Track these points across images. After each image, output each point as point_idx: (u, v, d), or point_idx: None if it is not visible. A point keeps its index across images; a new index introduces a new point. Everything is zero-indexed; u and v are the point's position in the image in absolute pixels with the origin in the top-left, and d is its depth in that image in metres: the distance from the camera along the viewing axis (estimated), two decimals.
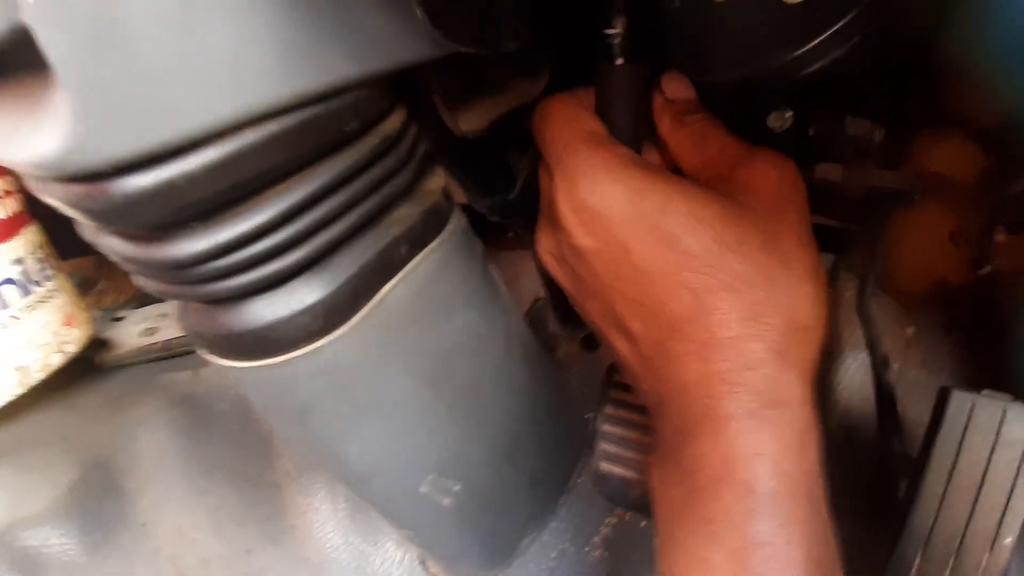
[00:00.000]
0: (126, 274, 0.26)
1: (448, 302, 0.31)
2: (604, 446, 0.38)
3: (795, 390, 0.28)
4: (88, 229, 0.24)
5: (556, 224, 0.31)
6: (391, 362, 0.29)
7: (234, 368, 0.27)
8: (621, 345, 0.32)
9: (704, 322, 0.28)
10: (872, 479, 0.52)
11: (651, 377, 0.31)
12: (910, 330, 0.58)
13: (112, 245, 0.23)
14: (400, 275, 0.28)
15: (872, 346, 0.50)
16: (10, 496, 0.67)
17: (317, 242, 0.25)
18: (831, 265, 0.59)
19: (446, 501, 0.36)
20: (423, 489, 0.35)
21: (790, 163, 0.31)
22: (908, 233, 0.59)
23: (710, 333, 0.28)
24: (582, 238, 0.30)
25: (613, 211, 0.29)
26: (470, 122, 0.31)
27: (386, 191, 0.27)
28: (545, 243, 0.33)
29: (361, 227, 0.27)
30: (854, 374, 0.56)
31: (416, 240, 0.29)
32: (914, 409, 0.53)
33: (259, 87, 0.20)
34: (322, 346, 0.26)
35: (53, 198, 0.22)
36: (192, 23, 0.19)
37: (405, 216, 0.28)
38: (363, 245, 0.27)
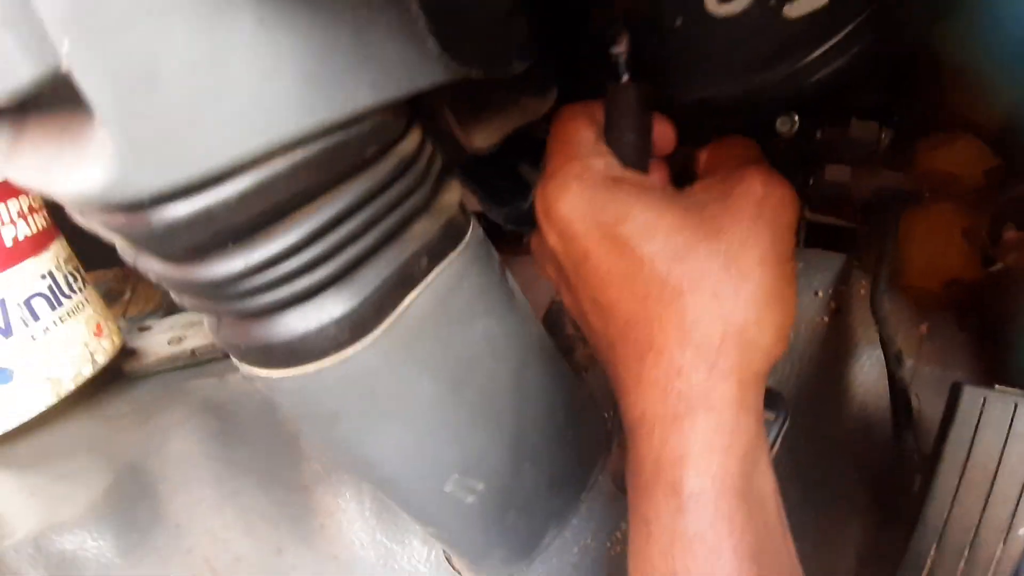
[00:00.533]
0: (151, 284, 0.28)
1: (467, 310, 0.32)
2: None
3: (725, 396, 0.29)
4: (127, 252, 0.26)
5: (537, 224, 0.34)
6: (414, 369, 0.31)
7: (267, 378, 0.28)
8: (589, 339, 0.34)
9: (646, 327, 0.30)
10: (887, 474, 0.52)
11: (609, 375, 0.33)
12: (923, 327, 0.58)
13: (151, 267, 0.25)
14: (421, 286, 0.30)
15: (886, 343, 0.51)
16: (45, 502, 0.69)
17: (342, 258, 0.26)
18: (843, 264, 0.60)
19: (470, 499, 0.38)
20: (447, 488, 0.36)
21: (784, 185, 0.32)
22: (919, 231, 0.59)
23: (649, 338, 0.29)
24: (552, 239, 0.32)
25: (574, 219, 0.31)
26: (482, 139, 0.32)
27: (405, 208, 0.29)
28: (534, 240, 0.36)
29: (383, 243, 0.28)
30: (869, 371, 0.57)
31: (435, 253, 0.30)
32: (928, 404, 0.54)
33: (285, 119, 0.22)
34: (349, 355, 0.28)
35: (96, 225, 0.24)
36: (221, 63, 0.20)
37: (423, 231, 0.30)
38: (385, 260, 0.28)
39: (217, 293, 0.25)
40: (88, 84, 0.18)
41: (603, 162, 0.32)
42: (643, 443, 0.30)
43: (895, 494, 0.51)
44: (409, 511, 0.39)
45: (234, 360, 0.30)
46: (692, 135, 0.45)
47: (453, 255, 0.31)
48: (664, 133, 0.35)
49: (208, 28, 0.20)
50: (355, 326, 0.27)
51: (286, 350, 0.27)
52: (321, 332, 0.27)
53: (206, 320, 0.29)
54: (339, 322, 0.27)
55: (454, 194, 0.32)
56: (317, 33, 0.22)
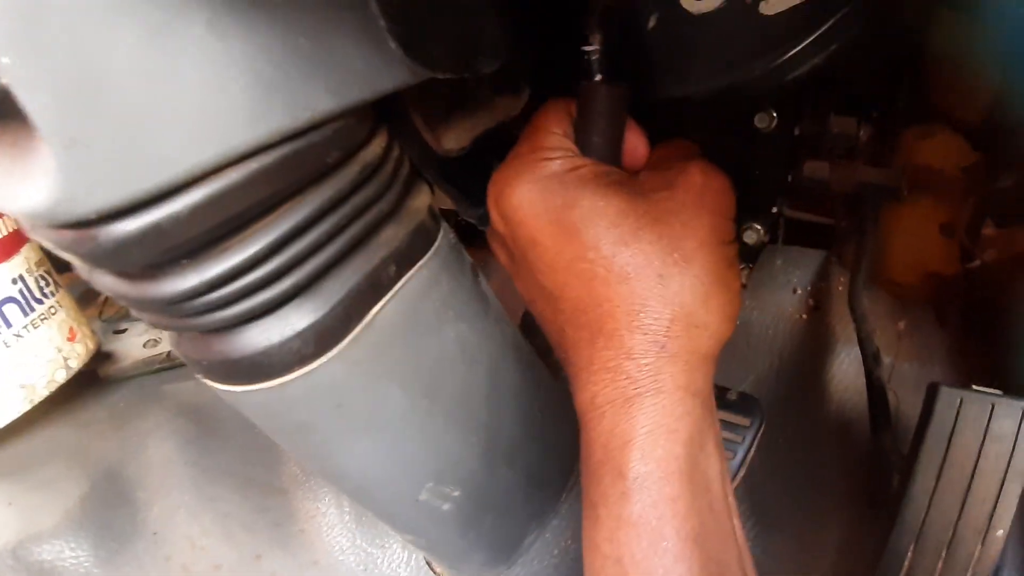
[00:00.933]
0: None
1: (438, 317, 0.31)
2: None
3: (673, 379, 0.29)
4: (81, 268, 0.25)
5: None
6: (384, 379, 0.30)
7: (231, 392, 0.28)
8: (541, 326, 0.35)
9: (594, 312, 0.30)
10: (865, 473, 0.52)
11: (561, 361, 0.33)
12: (901, 323, 0.59)
13: (105, 283, 0.24)
14: (389, 295, 0.29)
15: (864, 342, 0.51)
16: (22, 512, 0.68)
17: (305, 270, 0.25)
18: (822, 260, 0.60)
19: (446, 506, 0.37)
20: (422, 497, 0.36)
21: (721, 176, 0.33)
22: (899, 227, 0.59)
23: (599, 322, 0.30)
24: (500, 226, 0.33)
25: (523, 205, 0.31)
26: (452, 140, 0.32)
27: (371, 215, 0.28)
28: (489, 229, 0.36)
29: (348, 252, 0.27)
30: (848, 368, 0.57)
31: (403, 260, 0.29)
32: (907, 402, 0.54)
33: (238, 128, 0.21)
34: (315, 368, 0.27)
35: (45, 241, 0.23)
36: (168, 72, 0.19)
37: (391, 237, 0.29)
38: (351, 269, 0.27)
39: (173, 310, 0.24)
40: (28, 100, 0.18)
41: (562, 154, 0.32)
42: (593, 427, 0.30)
43: (874, 494, 0.51)
44: (385, 520, 0.39)
45: (197, 376, 0.29)
46: (669, 132, 0.45)
47: (423, 261, 0.30)
48: (636, 145, 0.35)
49: (155, 36, 0.19)
50: (320, 338, 0.26)
51: (249, 365, 0.26)
52: (284, 346, 0.26)
53: (167, 334, 0.28)
54: (303, 335, 0.26)
55: (423, 198, 0.31)
56: (271, 37, 0.21)
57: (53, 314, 0.74)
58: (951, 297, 0.59)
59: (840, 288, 0.59)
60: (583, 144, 0.33)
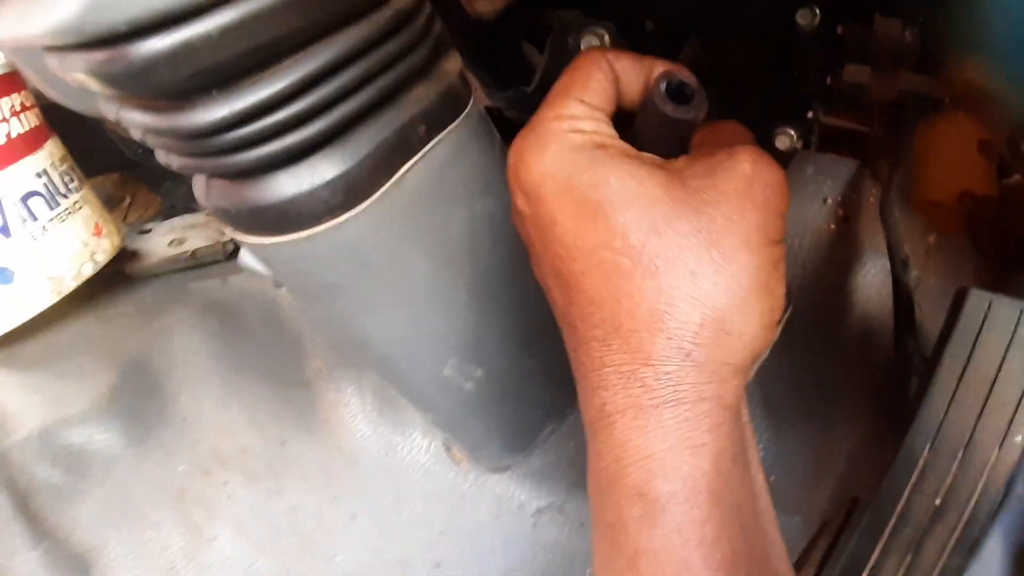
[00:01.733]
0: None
1: (466, 187, 0.31)
2: None
3: (696, 390, 0.26)
4: (111, 105, 0.25)
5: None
6: (410, 242, 0.30)
7: (260, 244, 0.28)
8: (555, 315, 0.31)
9: (611, 308, 0.26)
10: (885, 380, 0.53)
11: (571, 360, 0.30)
12: (931, 238, 0.57)
13: (135, 118, 0.24)
14: (419, 155, 0.28)
15: (892, 248, 0.50)
16: (51, 399, 0.71)
17: (335, 115, 0.25)
18: (855, 171, 0.58)
19: (468, 385, 0.38)
20: (446, 372, 0.36)
21: (775, 169, 0.28)
22: (936, 141, 0.57)
23: (615, 321, 0.26)
24: (519, 200, 0.29)
25: (545, 180, 0.27)
26: (486, 2, 0.31)
27: (402, 68, 0.27)
28: (512, 206, 0.31)
29: (378, 104, 0.27)
30: (873, 279, 0.56)
31: (434, 121, 0.29)
32: (931, 316, 0.53)
33: None
34: (343, 222, 0.27)
35: (76, 71, 0.22)
36: None
37: (422, 96, 0.28)
38: (381, 123, 0.27)
39: (202, 146, 0.24)
40: None
41: (593, 126, 0.28)
42: (602, 438, 0.27)
43: (892, 399, 0.51)
44: (409, 395, 0.40)
45: (225, 229, 0.29)
46: (709, 29, 0.43)
47: (453, 126, 0.30)
48: None
49: None
50: (349, 191, 0.26)
51: (277, 213, 0.26)
52: (313, 195, 0.26)
53: (196, 187, 0.28)
54: (332, 184, 0.26)
55: (455, 63, 0.31)
56: None
57: (78, 209, 0.74)
58: (985, 216, 0.58)
59: (872, 200, 0.58)
60: (630, 136, 0.29)
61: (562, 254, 0.27)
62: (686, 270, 0.26)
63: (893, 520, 0.43)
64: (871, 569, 0.42)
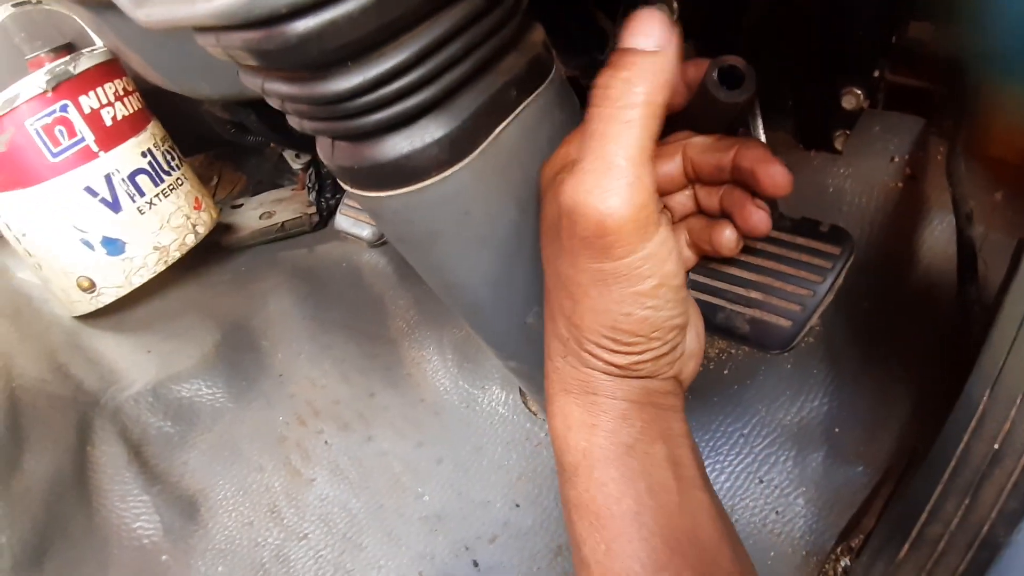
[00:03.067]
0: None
1: (552, 143, 0.34)
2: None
3: (578, 380, 0.32)
4: (254, 79, 0.30)
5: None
6: (505, 194, 0.34)
7: (376, 198, 0.32)
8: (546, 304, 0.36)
9: (548, 307, 0.33)
10: (947, 330, 0.54)
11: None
12: (998, 194, 0.57)
13: (278, 88, 0.28)
14: (511, 117, 0.32)
15: (957, 202, 0.51)
16: (161, 357, 0.78)
17: (442, 83, 0.29)
18: (922, 129, 0.59)
19: None
20: (529, 320, 0.40)
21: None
22: (1002, 98, 0.57)
23: (549, 317, 0.34)
24: (565, 224, 0.30)
25: (610, 224, 0.28)
26: None
27: (495, 41, 0.31)
28: (543, 213, 0.33)
29: (476, 72, 0.30)
30: (939, 236, 0.57)
31: (523, 86, 0.33)
32: (995, 270, 0.54)
33: None
34: (449, 175, 0.31)
35: (232, 48, 0.27)
36: None
37: (512, 65, 0.32)
38: (479, 89, 0.31)
39: (335, 111, 0.28)
40: None
41: (651, 182, 0.28)
42: (552, 412, 0.34)
43: (954, 348, 0.52)
44: (493, 342, 0.44)
45: (344, 187, 0.34)
46: None
47: (540, 90, 0.33)
48: (674, 175, 0.35)
49: None
50: (454, 146, 0.30)
51: (393, 169, 0.30)
52: (424, 151, 0.30)
53: (320, 149, 0.33)
54: (440, 142, 0.30)
55: (539, 34, 0.34)
56: None
57: (180, 185, 0.81)
58: None
59: (939, 158, 0.58)
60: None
61: (548, 257, 0.33)
62: (560, 284, 0.32)
63: (952, 464, 0.44)
64: (929, 512, 0.43)
